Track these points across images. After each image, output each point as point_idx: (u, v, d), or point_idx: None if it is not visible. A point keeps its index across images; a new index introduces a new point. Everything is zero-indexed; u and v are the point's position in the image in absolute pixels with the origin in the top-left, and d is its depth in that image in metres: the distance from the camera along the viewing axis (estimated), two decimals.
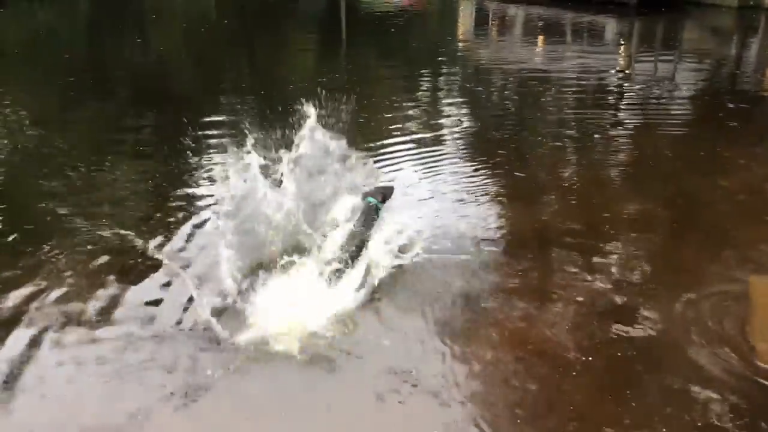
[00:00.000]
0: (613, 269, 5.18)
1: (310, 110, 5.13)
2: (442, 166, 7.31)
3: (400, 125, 8.89)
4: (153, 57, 14.55)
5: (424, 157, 7.54)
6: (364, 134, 8.23)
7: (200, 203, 6.26)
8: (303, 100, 5.19)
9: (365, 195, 5.32)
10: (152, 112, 9.78)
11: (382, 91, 11.25)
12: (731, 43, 17.25)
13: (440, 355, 4.13)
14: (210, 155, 7.53)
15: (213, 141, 8.03)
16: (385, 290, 4.73)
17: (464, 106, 10.44)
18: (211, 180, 6.69)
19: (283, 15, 21.56)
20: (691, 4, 20.94)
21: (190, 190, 6.59)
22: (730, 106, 10.11)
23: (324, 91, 5.61)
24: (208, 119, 8.96)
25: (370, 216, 5.14)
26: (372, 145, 7.81)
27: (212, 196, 6.30)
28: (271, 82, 11.86)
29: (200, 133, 8.17)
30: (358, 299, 4.57)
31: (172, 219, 5.94)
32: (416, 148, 7.89)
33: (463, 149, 8.11)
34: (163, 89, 11.36)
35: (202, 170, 7.08)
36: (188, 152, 7.33)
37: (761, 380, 3.94)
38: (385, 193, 5.43)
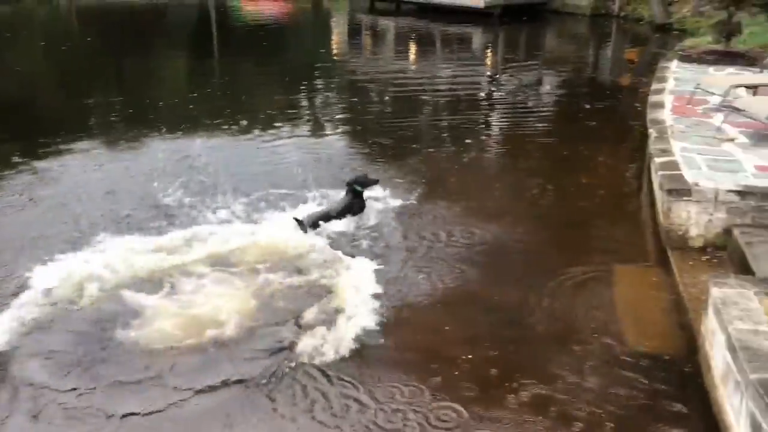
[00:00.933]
0: (481, 259, 5.39)
1: None
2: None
3: (275, 133, 8.88)
4: (8, 77, 13.60)
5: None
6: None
7: None
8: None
9: (350, 182, 6.24)
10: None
11: (258, 102, 11.12)
12: (588, 49, 18.36)
13: None
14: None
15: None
16: None
17: (340, 113, 10.53)
18: None
19: (150, 30, 20.87)
20: (549, 12, 22.11)
21: None
22: (588, 107, 10.74)
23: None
24: (65, 146, 8.50)
25: (351, 199, 6.16)
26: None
27: None
28: (138, 100, 11.41)
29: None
30: None
31: None
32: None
33: (340, 155, 8.18)
34: (18, 111, 10.60)
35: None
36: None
37: (631, 361, 4.17)
38: (365, 182, 6.26)
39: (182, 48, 18.38)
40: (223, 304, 4.66)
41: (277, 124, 9.47)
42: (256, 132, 9.08)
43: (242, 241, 5.53)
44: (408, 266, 5.34)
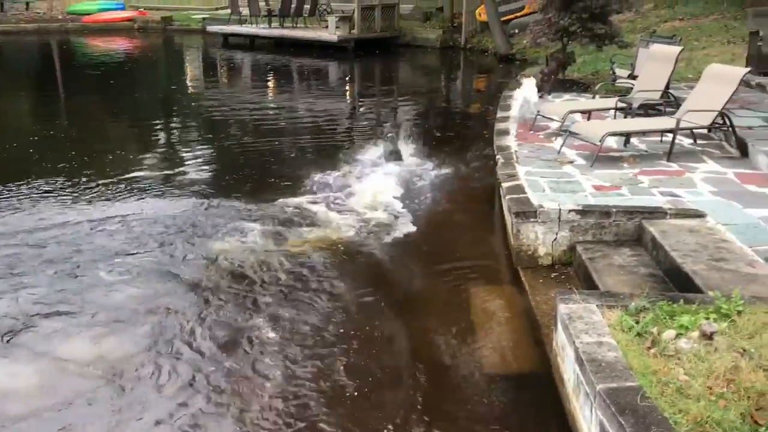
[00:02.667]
0: (327, 287, 5.36)
1: None
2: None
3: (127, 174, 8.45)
4: None
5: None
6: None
7: None
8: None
9: None
10: None
11: (109, 145, 10.56)
12: (439, 79, 19.09)
13: None
14: None
15: None
16: None
17: (197, 149, 10.24)
18: None
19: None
20: (401, 45, 22.81)
21: None
22: (440, 135, 11.13)
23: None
24: None
25: None
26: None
27: None
28: None
29: None
30: None
31: None
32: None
33: (199, 192, 7.92)
34: None
35: None
36: None
37: (488, 381, 4.26)
38: None
39: (21, 88, 17.23)
40: None
41: (123, 170, 9.02)
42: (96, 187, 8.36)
43: None
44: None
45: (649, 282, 4.87)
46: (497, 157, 7.45)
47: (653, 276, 4.98)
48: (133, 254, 6.08)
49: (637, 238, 5.57)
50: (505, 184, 6.40)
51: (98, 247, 6.23)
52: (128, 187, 8.06)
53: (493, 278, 5.80)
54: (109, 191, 7.91)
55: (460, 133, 11.37)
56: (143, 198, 7.72)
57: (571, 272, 5.58)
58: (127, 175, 8.55)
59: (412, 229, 6.85)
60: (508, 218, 6.13)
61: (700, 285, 4.36)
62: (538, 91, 10.22)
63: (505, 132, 8.46)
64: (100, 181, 8.23)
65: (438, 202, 7.63)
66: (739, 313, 3.74)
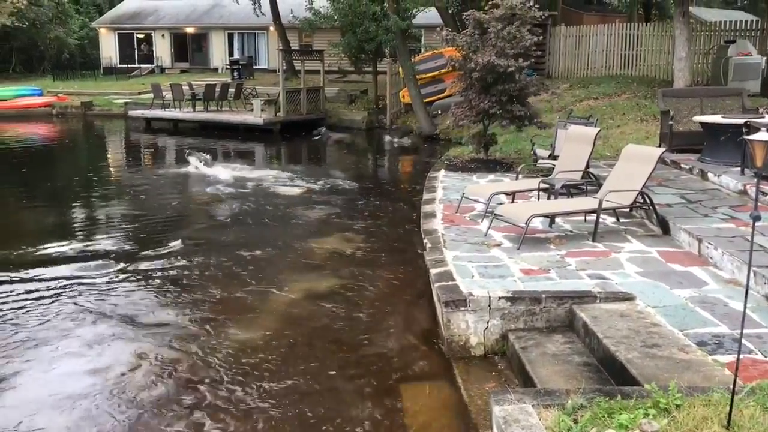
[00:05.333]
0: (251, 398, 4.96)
1: None
2: None
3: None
4: None
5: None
6: None
7: None
8: None
9: None
10: None
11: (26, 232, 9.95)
12: (366, 159, 19.17)
13: None
14: None
15: None
16: None
17: (120, 229, 9.81)
18: None
19: None
20: (327, 126, 22.98)
21: None
22: (368, 214, 10.97)
23: None
24: None
25: None
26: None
27: None
28: None
29: None
30: None
31: None
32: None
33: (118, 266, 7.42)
34: None
35: None
36: None
37: None
38: None
39: None
40: None
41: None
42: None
43: None
44: None
45: (585, 372, 4.71)
46: (425, 241, 7.32)
47: (588, 365, 4.82)
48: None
49: (568, 323, 5.45)
50: (433, 271, 6.23)
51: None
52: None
53: (425, 373, 5.50)
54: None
55: (387, 216, 11.24)
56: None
57: (505, 363, 5.38)
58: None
59: (333, 319, 6.56)
60: (438, 307, 5.92)
61: (635, 375, 4.22)
62: (462, 171, 10.25)
63: (431, 214, 8.39)
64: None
65: (363, 290, 7.37)
66: (677, 407, 3.59)
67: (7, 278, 7.76)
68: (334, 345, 6.04)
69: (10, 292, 7.34)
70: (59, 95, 30.00)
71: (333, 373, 5.47)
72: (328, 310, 6.82)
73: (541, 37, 12.70)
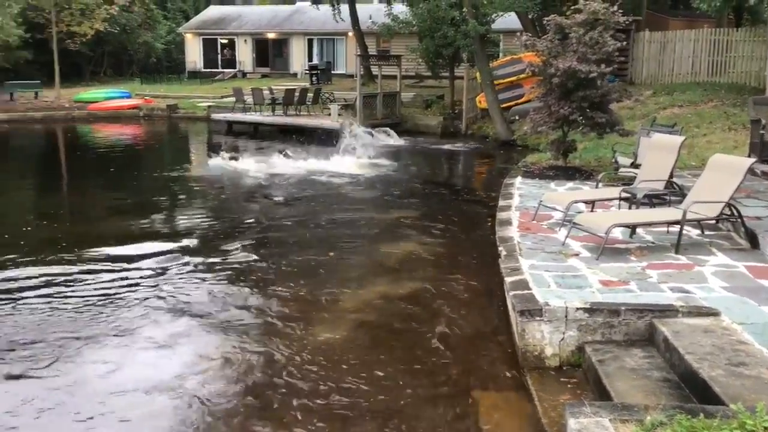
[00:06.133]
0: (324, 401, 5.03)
1: None
2: None
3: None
4: None
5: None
6: None
7: None
8: None
9: None
10: None
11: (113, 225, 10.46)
12: (442, 162, 19.06)
13: None
14: None
15: None
16: None
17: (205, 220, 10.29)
18: None
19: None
20: (402, 132, 22.96)
21: None
22: (441, 218, 10.95)
23: None
24: None
25: None
26: None
27: None
28: None
29: None
30: None
31: None
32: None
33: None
34: None
35: None
36: None
37: None
38: None
39: (28, 173, 17.33)
40: None
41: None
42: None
43: None
44: None
45: (664, 388, 4.58)
46: (500, 248, 7.26)
47: (668, 381, 4.68)
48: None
49: (648, 337, 5.30)
50: (508, 279, 6.18)
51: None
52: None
53: (496, 380, 5.46)
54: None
55: (462, 222, 11.20)
56: None
57: (580, 375, 5.28)
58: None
59: (408, 322, 6.59)
60: (513, 316, 5.87)
61: (719, 393, 4.07)
62: (540, 178, 10.12)
63: (507, 222, 8.31)
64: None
65: (439, 294, 7.36)
66: (765, 429, 3.45)
67: (96, 268, 8.19)
68: (408, 348, 6.07)
69: (98, 281, 7.75)
70: (146, 98, 31.23)
71: (407, 376, 5.50)
72: (404, 313, 6.87)
73: (624, 43, 12.43)
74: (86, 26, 35.73)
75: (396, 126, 23.29)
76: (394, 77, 25.05)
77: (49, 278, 7.85)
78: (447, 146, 20.83)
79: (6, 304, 7.06)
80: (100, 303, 7.08)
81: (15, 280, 7.83)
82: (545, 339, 5.43)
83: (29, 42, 33.99)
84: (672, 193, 8.27)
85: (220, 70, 41.73)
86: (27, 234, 10.36)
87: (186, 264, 8.49)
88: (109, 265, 8.37)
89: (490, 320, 6.70)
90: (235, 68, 41.58)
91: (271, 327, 6.53)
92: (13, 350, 5.95)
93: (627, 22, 12.05)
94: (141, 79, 38.98)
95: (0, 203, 13.36)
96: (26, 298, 7.25)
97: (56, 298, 7.23)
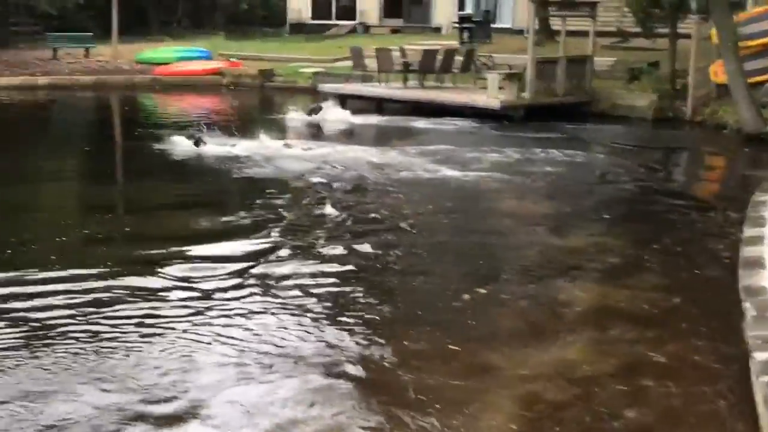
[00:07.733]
0: None
1: None
2: None
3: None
4: None
5: None
6: None
7: None
8: None
9: None
10: None
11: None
12: (653, 165, 18.44)
13: None
14: None
15: None
16: None
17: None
18: None
19: (31, 139, 20.88)
20: (594, 115, 22.61)
21: None
22: (656, 246, 10.47)
23: None
24: None
25: None
26: None
27: None
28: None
29: None
30: None
31: None
32: None
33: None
34: None
35: None
36: None
37: None
38: None
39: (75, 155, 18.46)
40: None
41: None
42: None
43: None
44: None
45: None
46: (745, 305, 6.79)
47: None
48: None
49: None
50: (758, 355, 5.72)
51: None
52: None
53: None
54: None
55: (677, 250, 10.66)
56: None
57: None
58: None
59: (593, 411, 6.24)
60: (763, 412, 5.39)
61: None
62: None
63: (758, 263, 7.80)
64: None
65: (642, 368, 6.95)
66: None
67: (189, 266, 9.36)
68: None
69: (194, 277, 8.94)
70: (232, 60, 32.10)
71: None
72: (586, 397, 6.51)
73: None
74: None
75: (584, 105, 22.80)
76: (585, 34, 24.57)
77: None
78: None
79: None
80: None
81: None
82: None
83: None
84: None
85: (333, 22, 42.67)
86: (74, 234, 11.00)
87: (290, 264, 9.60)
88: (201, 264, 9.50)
89: (721, 411, 6.20)
90: (354, 20, 42.34)
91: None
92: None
93: None
94: (226, 34, 40.50)
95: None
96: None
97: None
